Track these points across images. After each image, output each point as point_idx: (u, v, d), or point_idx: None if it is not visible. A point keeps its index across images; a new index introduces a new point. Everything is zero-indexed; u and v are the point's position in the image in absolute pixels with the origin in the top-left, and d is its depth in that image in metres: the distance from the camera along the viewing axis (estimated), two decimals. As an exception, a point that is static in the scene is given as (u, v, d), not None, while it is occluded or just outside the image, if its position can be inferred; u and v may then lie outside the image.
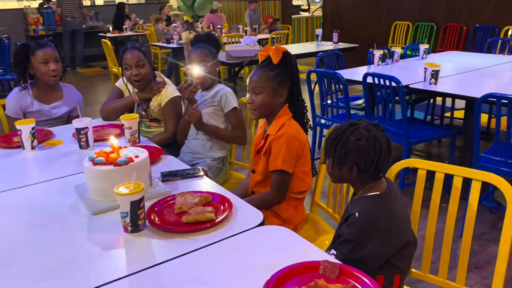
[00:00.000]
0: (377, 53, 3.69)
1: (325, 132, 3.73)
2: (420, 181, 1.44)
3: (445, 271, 1.40)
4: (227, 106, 2.19)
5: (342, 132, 1.29)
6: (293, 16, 9.28)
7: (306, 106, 1.80)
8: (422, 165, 1.42)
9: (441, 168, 1.37)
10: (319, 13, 9.95)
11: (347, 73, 3.34)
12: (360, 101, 3.81)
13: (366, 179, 1.30)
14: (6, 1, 10.37)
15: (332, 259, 1.07)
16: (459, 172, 1.34)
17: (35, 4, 9.49)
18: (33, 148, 1.89)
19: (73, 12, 8.36)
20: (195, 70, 2.09)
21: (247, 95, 1.74)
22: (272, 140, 1.67)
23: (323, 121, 3.48)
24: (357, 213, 1.24)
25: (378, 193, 1.28)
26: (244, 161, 2.46)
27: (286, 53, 1.66)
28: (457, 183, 1.35)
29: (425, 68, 3.00)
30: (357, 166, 1.27)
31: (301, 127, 1.73)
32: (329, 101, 3.34)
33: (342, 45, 5.50)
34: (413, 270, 1.46)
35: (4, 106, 2.43)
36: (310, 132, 1.84)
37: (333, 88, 3.25)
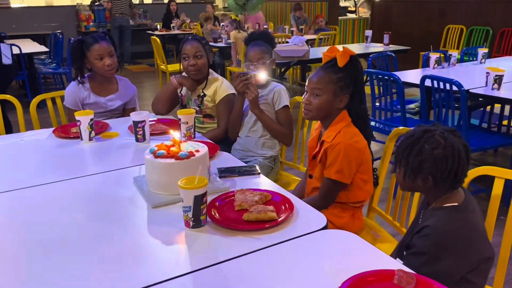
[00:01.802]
0: (434, 56, 3.55)
1: (375, 135, 3.61)
2: (496, 191, 1.33)
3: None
4: (278, 103, 2.15)
5: (416, 140, 1.20)
6: (340, 17, 9.14)
7: (369, 115, 1.70)
8: (499, 173, 1.31)
9: (522, 178, 1.27)
10: (366, 14, 9.75)
11: (401, 76, 3.21)
12: (413, 105, 3.67)
13: (443, 189, 1.21)
14: (60, -2, 10.78)
15: (407, 268, 1.00)
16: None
17: (87, 1, 9.81)
18: (90, 139, 1.91)
19: (123, 9, 8.56)
20: (262, 75, 2.07)
21: (304, 96, 1.67)
22: (327, 147, 1.59)
23: (372, 123, 3.37)
24: (432, 225, 1.15)
25: (455, 204, 1.19)
26: (294, 161, 2.41)
27: (353, 57, 1.57)
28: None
29: (487, 73, 2.84)
30: (432, 176, 1.18)
31: (363, 134, 1.63)
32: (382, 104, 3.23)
33: (392, 47, 5.33)
34: (486, 286, 1.36)
35: (62, 98, 2.48)
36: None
37: (386, 90, 3.14)
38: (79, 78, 2.37)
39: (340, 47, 1.62)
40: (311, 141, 1.76)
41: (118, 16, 8.56)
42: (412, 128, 1.26)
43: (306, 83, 1.66)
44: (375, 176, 1.73)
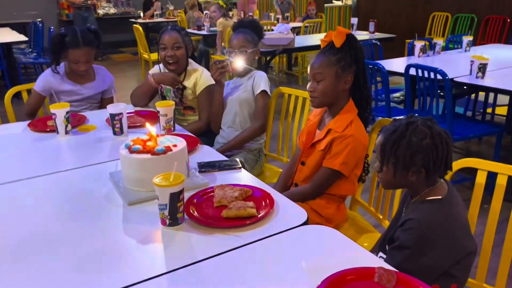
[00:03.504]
0: (418, 44, 3.53)
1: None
2: (479, 184, 1.32)
3: (503, 282, 1.28)
4: (257, 88, 2.12)
5: (401, 134, 1.16)
6: (326, 4, 9.07)
7: (371, 99, 1.67)
8: (483, 165, 1.30)
9: (505, 170, 1.25)
10: (351, 2, 9.69)
11: (387, 64, 3.19)
12: (398, 94, 3.66)
13: (432, 180, 1.19)
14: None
15: (388, 266, 0.98)
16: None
17: (68, -11, 9.56)
18: (67, 132, 1.85)
19: None
20: (238, 63, 2.02)
21: (309, 84, 1.62)
22: (336, 138, 1.55)
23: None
24: (415, 219, 1.13)
25: (439, 197, 1.17)
26: (278, 153, 2.38)
27: (350, 36, 1.54)
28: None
29: (472, 61, 2.83)
30: (425, 168, 1.15)
31: (364, 121, 1.61)
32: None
33: (378, 35, 5.30)
34: (469, 279, 1.35)
35: (29, 91, 2.41)
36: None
37: (371, 79, 3.12)
38: (53, 67, 2.30)
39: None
40: (309, 127, 1.71)
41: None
42: (392, 122, 1.23)
43: (308, 71, 1.63)
44: (366, 168, 1.69)
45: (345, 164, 1.54)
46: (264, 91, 2.11)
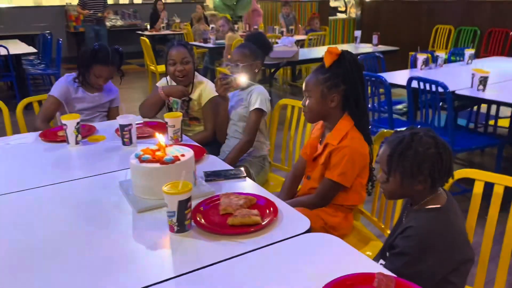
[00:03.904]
0: (421, 57, 3.59)
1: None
2: (476, 194, 1.36)
3: (501, 290, 1.31)
4: (252, 104, 2.16)
5: (407, 145, 1.20)
6: (330, 17, 9.17)
7: (367, 116, 1.70)
8: (480, 176, 1.34)
9: (502, 181, 1.29)
10: (355, 15, 9.79)
11: (389, 77, 3.25)
12: (401, 106, 3.71)
13: (435, 189, 1.23)
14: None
15: (387, 272, 1.02)
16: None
17: (76, 1, 9.72)
18: (77, 143, 1.91)
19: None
20: (242, 79, 2.08)
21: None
22: (333, 150, 1.60)
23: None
24: (415, 226, 1.17)
25: (438, 206, 1.21)
26: (282, 163, 2.42)
27: (342, 56, 1.57)
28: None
29: (473, 74, 2.88)
30: (431, 177, 1.19)
31: (364, 137, 1.63)
32: (369, 105, 3.26)
33: (381, 47, 5.37)
34: (466, 286, 1.38)
35: (40, 102, 2.51)
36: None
37: (374, 91, 3.17)
38: (77, 78, 2.42)
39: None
40: (312, 140, 1.76)
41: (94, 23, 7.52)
42: (394, 134, 1.27)
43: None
44: (371, 183, 1.72)
45: (343, 174, 1.58)
46: (257, 109, 2.15)
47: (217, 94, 2.25)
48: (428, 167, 1.18)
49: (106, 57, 2.38)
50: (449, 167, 1.20)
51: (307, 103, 1.64)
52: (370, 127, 1.68)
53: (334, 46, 1.63)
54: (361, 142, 1.61)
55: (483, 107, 3.95)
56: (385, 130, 1.76)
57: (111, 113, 2.55)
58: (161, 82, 2.43)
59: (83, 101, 2.44)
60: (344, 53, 1.58)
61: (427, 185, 1.21)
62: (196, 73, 2.39)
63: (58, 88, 2.40)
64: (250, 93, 2.19)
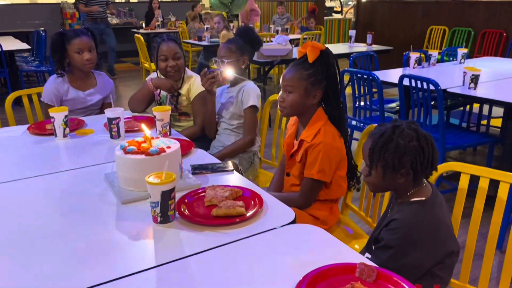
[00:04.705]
0: (414, 55, 3.59)
1: (355, 134, 3.65)
2: (462, 187, 1.36)
3: (486, 284, 1.31)
4: (245, 102, 2.15)
5: (388, 138, 1.20)
6: (325, 17, 9.19)
7: (344, 109, 1.70)
8: (466, 169, 1.34)
9: (486, 173, 1.29)
10: (351, 15, 9.82)
11: (382, 75, 3.25)
12: (394, 104, 3.71)
13: (419, 182, 1.23)
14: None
15: (369, 262, 1.01)
16: (508, 178, 1.26)
17: (72, -1, 9.71)
18: (65, 136, 1.90)
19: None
20: (228, 72, 2.07)
21: (279, 94, 1.67)
22: (308, 147, 1.60)
23: (354, 122, 3.40)
24: (400, 219, 1.17)
25: (423, 199, 1.21)
26: (272, 159, 2.42)
27: (324, 52, 1.57)
28: (503, 190, 1.27)
29: (465, 72, 2.89)
30: (413, 169, 1.19)
31: (339, 131, 1.63)
32: (362, 103, 3.26)
33: (375, 47, 5.38)
34: (452, 279, 1.38)
35: (39, 94, 2.46)
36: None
37: (366, 90, 3.17)
38: (59, 71, 2.36)
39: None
40: (287, 138, 1.76)
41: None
42: (377, 127, 1.27)
43: (280, 81, 1.67)
44: (354, 174, 1.72)
45: (322, 171, 1.57)
46: (252, 106, 2.15)
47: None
48: (410, 160, 1.18)
49: (75, 31, 2.34)
50: (432, 159, 1.19)
51: (288, 98, 1.62)
52: (344, 121, 1.68)
53: (316, 43, 1.62)
54: (334, 136, 1.60)
55: (476, 107, 3.97)
56: (374, 125, 1.75)
57: (103, 109, 2.46)
58: (151, 76, 2.42)
59: (75, 103, 2.37)
60: (326, 49, 1.59)
61: (409, 178, 1.21)
62: (186, 68, 2.38)
63: (46, 93, 2.35)
64: (241, 90, 2.18)
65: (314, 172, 1.58)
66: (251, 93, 2.15)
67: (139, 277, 0.99)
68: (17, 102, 2.45)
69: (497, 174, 1.29)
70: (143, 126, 1.44)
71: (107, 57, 7.48)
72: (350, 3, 11.53)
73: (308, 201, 1.66)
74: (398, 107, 3.55)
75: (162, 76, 2.34)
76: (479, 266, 1.34)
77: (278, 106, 1.68)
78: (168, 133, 1.90)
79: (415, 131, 1.19)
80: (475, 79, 2.82)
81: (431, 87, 2.64)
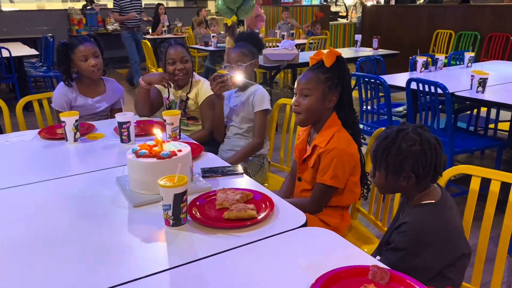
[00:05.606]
0: (420, 59, 3.59)
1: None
2: (473, 190, 1.36)
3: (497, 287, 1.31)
4: (257, 105, 2.16)
5: (391, 141, 1.21)
6: (331, 22, 9.21)
7: (358, 116, 1.71)
8: (476, 172, 1.34)
9: (497, 176, 1.29)
10: (354, 19, 9.83)
11: (389, 79, 3.25)
12: (401, 108, 3.71)
13: (423, 185, 1.23)
14: (51, 1, 10.77)
15: (382, 265, 1.01)
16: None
17: (79, 5, 9.80)
18: (75, 140, 1.92)
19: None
20: (238, 77, 2.08)
21: (294, 98, 1.68)
22: (321, 153, 1.60)
23: (360, 126, 3.39)
24: (410, 222, 1.17)
25: (433, 201, 1.21)
26: (281, 163, 2.42)
27: (339, 58, 1.60)
28: (515, 193, 1.26)
29: (472, 76, 2.88)
30: (415, 173, 1.19)
31: (353, 137, 1.63)
32: (369, 107, 3.26)
33: (382, 51, 5.38)
34: (464, 283, 1.37)
35: (49, 100, 2.49)
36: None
37: (373, 93, 3.17)
38: (67, 82, 2.37)
39: (325, 51, 1.65)
40: (299, 144, 1.77)
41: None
42: (384, 130, 1.28)
43: (295, 86, 1.68)
44: (368, 182, 1.72)
45: (335, 177, 1.57)
46: (263, 110, 2.16)
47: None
48: (411, 163, 1.18)
49: (77, 39, 2.36)
50: (435, 164, 1.19)
51: (304, 101, 1.62)
52: (358, 127, 1.68)
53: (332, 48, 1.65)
54: (348, 142, 1.60)
55: (483, 111, 3.96)
56: (383, 128, 1.75)
57: (113, 114, 2.47)
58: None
59: (84, 110, 2.38)
60: (341, 55, 1.61)
61: (411, 181, 1.21)
62: (193, 72, 2.40)
63: (56, 100, 2.37)
64: (253, 94, 2.19)
65: (327, 178, 1.58)
66: (264, 96, 2.17)
67: (152, 279, 1.00)
68: (26, 107, 2.48)
69: (508, 176, 1.29)
70: (155, 130, 1.46)
71: (131, 67, 7.01)
72: (352, 6, 11.55)
73: (319, 207, 1.65)
74: (405, 111, 3.55)
75: (170, 82, 2.35)
76: (489, 270, 1.34)
77: (293, 110, 1.69)
78: (178, 137, 1.91)
79: (418, 135, 1.19)
80: (483, 82, 2.81)
81: (439, 90, 2.64)
